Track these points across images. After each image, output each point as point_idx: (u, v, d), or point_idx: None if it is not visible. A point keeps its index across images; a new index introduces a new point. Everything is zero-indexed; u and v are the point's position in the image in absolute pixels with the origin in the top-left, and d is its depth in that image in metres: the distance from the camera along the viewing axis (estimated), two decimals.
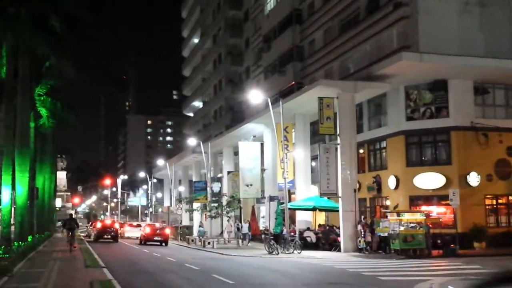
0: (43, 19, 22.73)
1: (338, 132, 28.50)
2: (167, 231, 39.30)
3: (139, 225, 47.54)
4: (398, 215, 25.30)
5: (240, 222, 37.79)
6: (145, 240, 37.42)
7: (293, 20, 43.41)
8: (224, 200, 39.17)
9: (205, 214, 43.23)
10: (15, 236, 23.39)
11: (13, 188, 22.95)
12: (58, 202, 77.46)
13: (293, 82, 41.75)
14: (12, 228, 26.47)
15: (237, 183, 40.18)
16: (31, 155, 26.44)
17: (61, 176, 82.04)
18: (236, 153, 43.08)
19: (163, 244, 37.06)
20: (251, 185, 37.94)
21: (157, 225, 42.82)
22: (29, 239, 26.17)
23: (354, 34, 35.11)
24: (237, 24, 59.43)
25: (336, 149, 28.63)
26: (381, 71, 28.76)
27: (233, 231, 36.95)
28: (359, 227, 26.79)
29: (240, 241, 34.36)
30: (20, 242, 22.80)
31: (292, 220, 32.99)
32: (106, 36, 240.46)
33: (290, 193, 32.55)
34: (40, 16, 22.64)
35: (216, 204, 39.90)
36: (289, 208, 30.19)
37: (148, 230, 38.70)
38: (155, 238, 37.15)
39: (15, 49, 22.62)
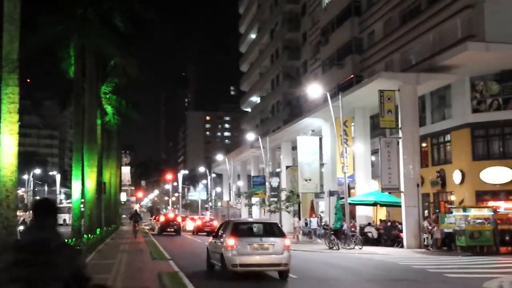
0: (108, 20, 23.58)
1: (399, 126, 27.89)
2: (215, 223, 41.79)
3: (200, 219, 48.71)
4: (464, 210, 24.49)
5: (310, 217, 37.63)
6: (197, 231, 44.06)
7: (351, 12, 42.77)
8: (283, 195, 39.24)
9: (264, 209, 43.49)
10: (84, 229, 24.43)
11: (82, 182, 23.98)
12: (123, 196, 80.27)
13: (352, 75, 41.18)
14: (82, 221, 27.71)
15: (295, 178, 40.15)
16: (98, 151, 27.52)
17: (126, 171, 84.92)
18: (294, 148, 43.03)
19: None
20: (310, 179, 37.80)
21: (207, 218, 50.44)
22: (98, 232, 27.30)
23: (416, 24, 34.18)
24: (294, 18, 59.22)
25: (398, 143, 28.03)
26: (445, 62, 27.88)
27: (299, 226, 36.58)
28: (426, 223, 26.12)
29: (304, 236, 34.24)
30: (89, 235, 23.83)
31: (352, 215, 32.63)
32: (165, 34, 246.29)
33: (349, 188, 32.18)
34: (105, 17, 23.49)
35: (275, 199, 40.04)
36: (349, 203, 29.87)
37: (199, 222, 45.97)
38: (205, 229, 43.15)
39: (82, 49, 23.60)
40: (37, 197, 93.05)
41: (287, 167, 44.40)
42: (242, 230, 15.54)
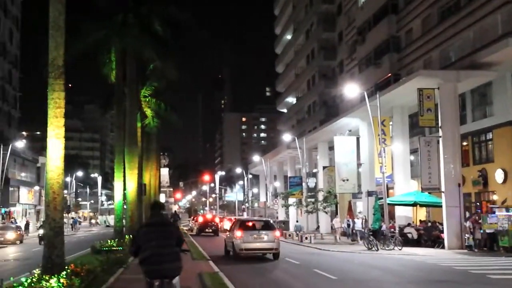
0: (147, 24, 24.05)
1: (439, 124, 27.41)
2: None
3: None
4: (507, 210, 23.88)
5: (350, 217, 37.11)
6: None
7: (388, 10, 42.28)
8: (320, 195, 39.08)
9: (301, 210, 43.42)
10: (126, 229, 24.95)
11: (124, 184, 24.50)
12: (162, 198, 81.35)
13: (390, 74, 40.70)
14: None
15: (333, 178, 39.93)
16: (139, 153, 28.08)
17: (164, 172, 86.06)
18: (331, 148, 42.81)
19: None
20: (347, 180, 37.53)
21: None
22: None
23: (455, 21, 33.51)
24: (330, 18, 58.91)
25: (438, 141, 27.55)
26: (486, 59, 27.25)
27: (341, 227, 36.16)
28: (468, 223, 25.57)
29: (347, 237, 33.91)
30: (131, 235, 24.36)
31: (391, 216, 32.23)
32: (201, 37, 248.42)
33: (388, 188, 31.79)
34: (144, 21, 23.97)
35: (312, 200, 39.91)
36: (388, 204, 29.52)
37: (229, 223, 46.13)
38: None
39: (123, 54, 24.15)
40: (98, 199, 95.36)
41: (324, 167, 44.20)
42: (246, 225, 21.94)
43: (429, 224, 30.31)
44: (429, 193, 29.58)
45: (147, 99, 31.16)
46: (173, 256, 7.04)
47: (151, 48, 23.42)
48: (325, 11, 59.91)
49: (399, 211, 33.36)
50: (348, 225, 35.46)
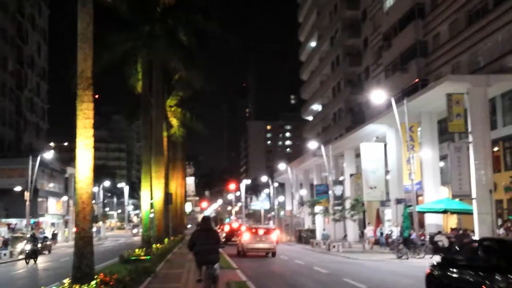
0: (173, 34, 24.22)
1: (469, 130, 26.84)
2: (277, 232, 44.93)
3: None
4: None
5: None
6: None
7: (415, 15, 41.77)
8: (347, 203, 38.64)
9: (328, 218, 42.99)
10: (153, 239, 25.05)
11: (151, 193, 24.62)
12: (188, 207, 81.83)
13: (417, 79, 40.12)
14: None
15: (360, 186, 39.45)
16: (165, 163, 28.23)
17: (190, 182, 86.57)
18: (358, 155, 42.33)
19: None
20: (375, 187, 37.04)
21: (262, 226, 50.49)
22: (166, 242, 27.94)
23: (484, 25, 32.88)
24: (355, 24, 58.54)
25: (468, 147, 26.96)
26: None
27: (372, 235, 35.29)
28: (501, 230, 24.90)
29: (380, 246, 33.22)
30: (158, 245, 24.41)
31: (421, 224, 31.61)
32: (226, 46, 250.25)
33: (417, 195, 31.23)
34: (171, 32, 24.14)
35: (339, 208, 39.48)
36: (418, 211, 28.98)
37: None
38: None
39: (149, 64, 24.37)
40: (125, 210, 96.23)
41: (351, 175, 43.72)
42: (251, 231, 29.57)
43: (460, 231, 29.59)
44: (460, 200, 28.95)
45: (173, 109, 31.40)
46: (214, 251, 11.32)
47: (177, 58, 23.56)
48: (349, 17, 59.57)
49: (429, 219, 32.70)
50: (381, 234, 34.87)
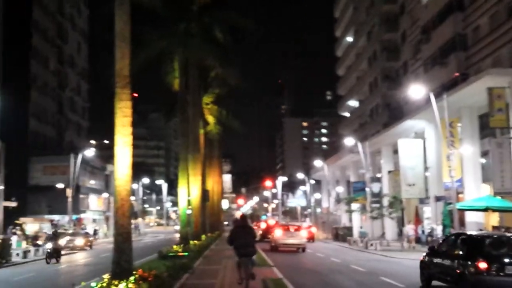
0: (208, 32, 24.37)
1: (511, 125, 26.00)
2: (313, 230, 48.93)
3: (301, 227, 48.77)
4: None
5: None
6: None
7: (454, 8, 40.75)
8: (385, 201, 38.09)
9: (365, 215, 42.51)
10: (190, 235, 25.31)
11: (188, 190, 24.88)
12: (225, 204, 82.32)
13: (457, 74, 39.16)
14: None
15: (398, 183, 38.79)
16: (202, 160, 28.47)
17: (227, 179, 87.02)
18: (396, 152, 41.64)
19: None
20: (413, 184, 36.36)
21: (305, 225, 51.42)
22: (203, 238, 28.22)
23: None
24: (392, 18, 57.60)
25: (510, 143, 26.14)
26: None
27: (413, 233, 34.53)
28: None
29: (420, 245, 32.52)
30: (195, 241, 24.68)
31: (461, 222, 30.83)
32: (261, 42, 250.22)
33: (457, 193, 30.47)
34: (206, 30, 24.29)
35: (377, 205, 38.95)
36: (458, 209, 28.27)
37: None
38: None
39: (185, 62, 24.59)
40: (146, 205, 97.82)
41: (388, 172, 43.07)
42: (283, 227, 32.66)
43: (502, 230, 28.74)
44: (502, 197, 28.09)
45: (209, 106, 31.62)
46: (251, 245, 13.10)
47: (213, 56, 23.69)
48: (387, 11, 58.66)
49: (470, 217, 31.85)
50: (423, 232, 34.23)
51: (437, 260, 13.80)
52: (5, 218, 41.61)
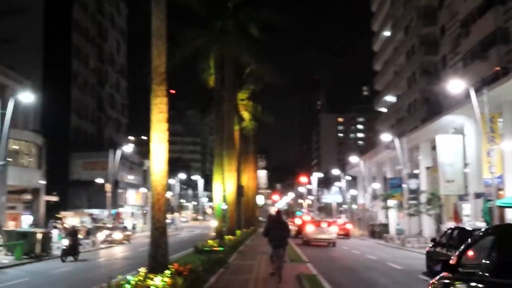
0: (244, 29, 24.43)
1: None
2: (349, 226, 49.97)
3: (334, 222, 48.44)
4: None
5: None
6: None
7: (495, 1, 39.60)
8: (423, 197, 37.45)
9: (402, 212, 41.91)
10: (226, 231, 25.52)
11: (224, 186, 25.07)
12: (260, 199, 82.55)
13: (498, 68, 38.06)
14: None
15: (436, 179, 38.07)
16: (237, 156, 28.62)
17: (262, 174, 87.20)
18: (434, 148, 40.85)
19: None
20: (452, 181, 35.60)
21: (340, 221, 52.61)
22: (238, 233, 28.40)
23: None
24: (431, 12, 56.40)
25: None
26: None
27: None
28: None
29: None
30: (230, 236, 24.86)
31: (502, 219, 30.00)
32: (297, 38, 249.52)
33: (498, 189, 29.64)
34: (242, 27, 24.37)
35: (414, 202, 38.35)
36: (498, 206, 27.54)
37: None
38: (339, 232, 45.38)
39: (221, 59, 24.74)
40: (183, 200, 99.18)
41: (426, 168, 42.31)
42: (314, 223, 35.13)
43: None
44: None
45: (244, 102, 31.74)
46: (284, 237, 14.67)
47: (248, 52, 23.74)
48: (425, 5, 57.50)
49: (511, 214, 31.02)
50: None
51: (438, 250, 16.51)
52: (47, 212, 43.07)
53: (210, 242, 22.33)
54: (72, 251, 24.43)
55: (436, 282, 6.64)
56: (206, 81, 27.11)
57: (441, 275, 6.47)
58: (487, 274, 5.27)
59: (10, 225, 37.64)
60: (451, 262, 6.32)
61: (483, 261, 5.58)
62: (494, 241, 5.57)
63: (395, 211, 45.04)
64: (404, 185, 41.77)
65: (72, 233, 25.50)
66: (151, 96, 12.28)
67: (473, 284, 5.42)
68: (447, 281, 6.14)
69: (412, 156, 47.50)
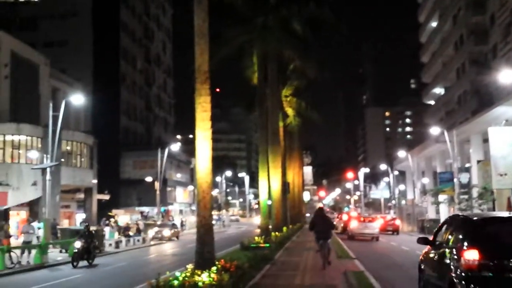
0: (287, 25, 24.34)
1: None
2: (397, 222, 49.15)
3: (382, 218, 47.68)
4: None
5: None
6: (380, 230, 49.99)
7: None
8: (475, 192, 36.34)
9: (453, 207, 40.80)
10: (272, 227, 25.57)
11: (268, 183, 25.11)
12: (306, 196, 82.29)
13: None
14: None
15: (488, 173, 36.77)
16: (281, 152, 28.60)
17: (307, 171, 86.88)
18: (486, 140, 39.49)
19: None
20: (505, 174, 34.24)
21: (389, 217, 51.95)
22: (284, 230, 28.40)
23: None
24: (479, 1, 54.55)
25: None
26: None
27: None
28: None
29: None
30: (277, 233, 24.90)
31: None
32: (341, 33, 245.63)
33: None
34: (284, 23, 24.28)
35: (465, 196, 37.28)
36: None
37: (381, 221, 46.97)
38: (387, 228, 45.47)
39: (264, 56, 24.75)
40: (229, 197, 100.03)
41: (478, 161, 40.97)
42: (357, 219, 37.27)
43: None
44: None
45: (288, 99, 31.66)
46: (328, 230, 16.54)
47: (291, 48, 23.63)
48: None
49: None
50: None
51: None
52: (99, 210, 44.44)
53: (257, 238, 22.45)
54: (85, 254, 20.87)
55: (424, 253, 10.38)
56: (250, 78, 27.19)
57: (427, 247, 10.03)
58: (444, 245, 8.72)
59: (65, 223, 39.10)
60: (430, 239, 10.06)
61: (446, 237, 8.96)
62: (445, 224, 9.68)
63: (445, 206, 43.90)
64: (455, 180, 40.67)
65: (85, 234, 21.45)
66: (195, 94, 12.41)
67: (440, 250, 8.81)
68: (427, 250, 10.05)
69: (463, 149, 46.11)
